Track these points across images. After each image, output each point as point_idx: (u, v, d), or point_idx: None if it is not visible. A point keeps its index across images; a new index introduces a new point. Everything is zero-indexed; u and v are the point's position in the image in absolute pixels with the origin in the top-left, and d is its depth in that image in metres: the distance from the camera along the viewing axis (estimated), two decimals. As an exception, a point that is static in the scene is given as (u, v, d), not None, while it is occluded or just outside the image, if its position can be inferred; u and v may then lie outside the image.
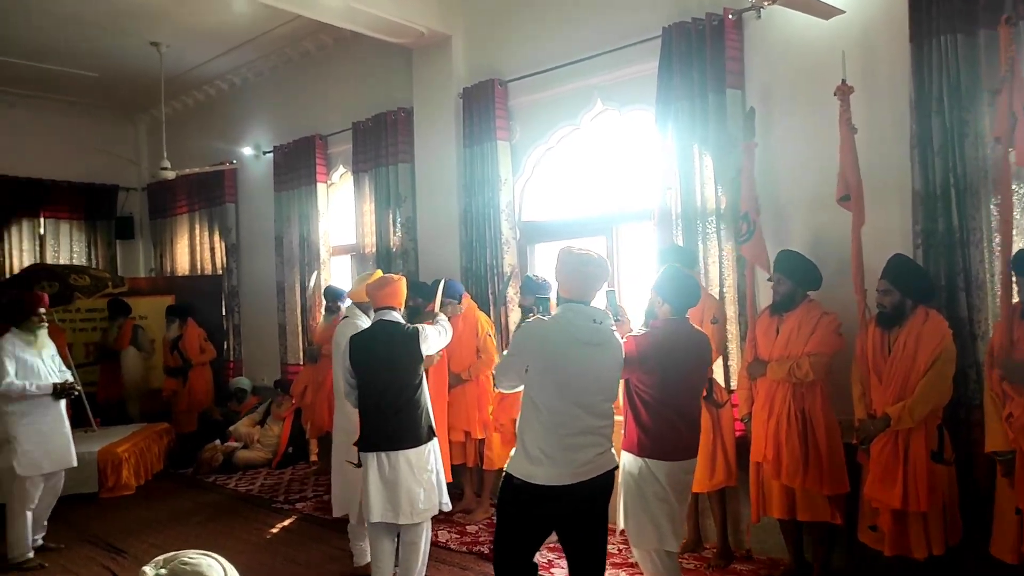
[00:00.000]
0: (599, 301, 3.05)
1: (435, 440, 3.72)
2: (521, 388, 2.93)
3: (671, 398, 3.11)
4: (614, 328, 3.00)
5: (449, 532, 4.85)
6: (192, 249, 8.83)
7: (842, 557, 3.90)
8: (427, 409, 3.69)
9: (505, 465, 2.93)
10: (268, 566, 4.46)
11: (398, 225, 6.25)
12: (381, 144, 6.36)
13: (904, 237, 3.74)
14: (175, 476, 6.77)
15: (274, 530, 5.21)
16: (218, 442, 7.02)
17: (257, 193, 8.01)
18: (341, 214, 7.23)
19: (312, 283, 7.04)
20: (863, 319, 3.59)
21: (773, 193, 4.20)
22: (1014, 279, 3.13)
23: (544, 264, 5.77)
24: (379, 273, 4.34)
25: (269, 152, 7.70)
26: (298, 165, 7.22)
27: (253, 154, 7.96)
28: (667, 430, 3.10)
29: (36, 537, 4.77)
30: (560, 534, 2.95)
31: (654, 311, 3.29)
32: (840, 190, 3.66)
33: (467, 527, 4.95)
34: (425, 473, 3.61)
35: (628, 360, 3.03)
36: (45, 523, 4.87)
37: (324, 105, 7.15)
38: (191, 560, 1.87)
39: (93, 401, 6.70)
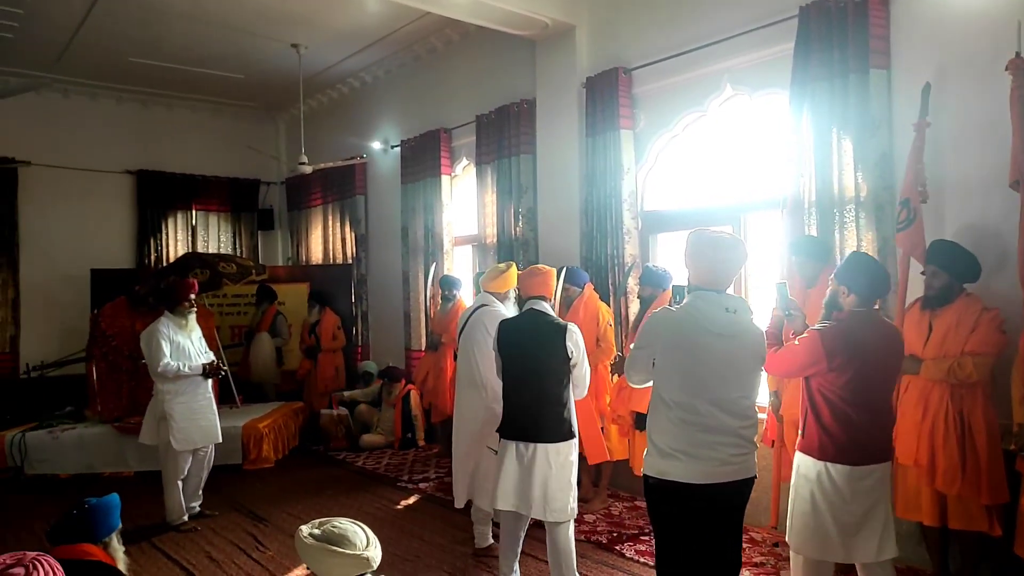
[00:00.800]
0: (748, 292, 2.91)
1: (575, 440, 3.57)
2: (651, 383, 2.79)
3: (860, 397, 2.85)
4: (752, 317, 2.79)
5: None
6: (325, 239, 9.33)
7: (992, 570, 3.60)
8: (571, 406, 3.56)
9: (642, 468, 2.82)
10: (394, 540, 4.66)
11: (519, 216, 6.33)
12: (503, 136, 6.46)
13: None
14: (309, 451, 7.19)
15: (398, 507, 5.44)
16: (332, 410, 7.41)
17: (385, 186, 8.34)
18: (464, 205, 7.41)
19: (432, 272, 7.26)
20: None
21: (928, 178, 3.91)
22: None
23: (667, 254, 5.67)
24: (514, 266, 4.37)
25: (396, 146, 8.00)
26: (423, 158, 7.45)
27: (382, 148, 8.29)
28: (855, 433, 2.85)
29: (194, 504, 5.20)
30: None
31: (837, 302, 3.01)
32: (1012, 174, 3.36)
33: (584, 516, 4.96)
34: (563, 470, 3.48)
35: (812, 356, 2.84)
36: (200, 492, 5.29)
37: (449, 99, 7.34)
38: (340, 525, 2.18)
39: (237, 380, 7.22)
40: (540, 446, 3.46)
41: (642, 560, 4.25)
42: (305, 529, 2.27)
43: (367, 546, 2.24)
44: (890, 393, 2.99)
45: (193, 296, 5.17)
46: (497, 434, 3.72)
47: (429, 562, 4.35)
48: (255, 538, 4.84)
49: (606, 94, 5.55)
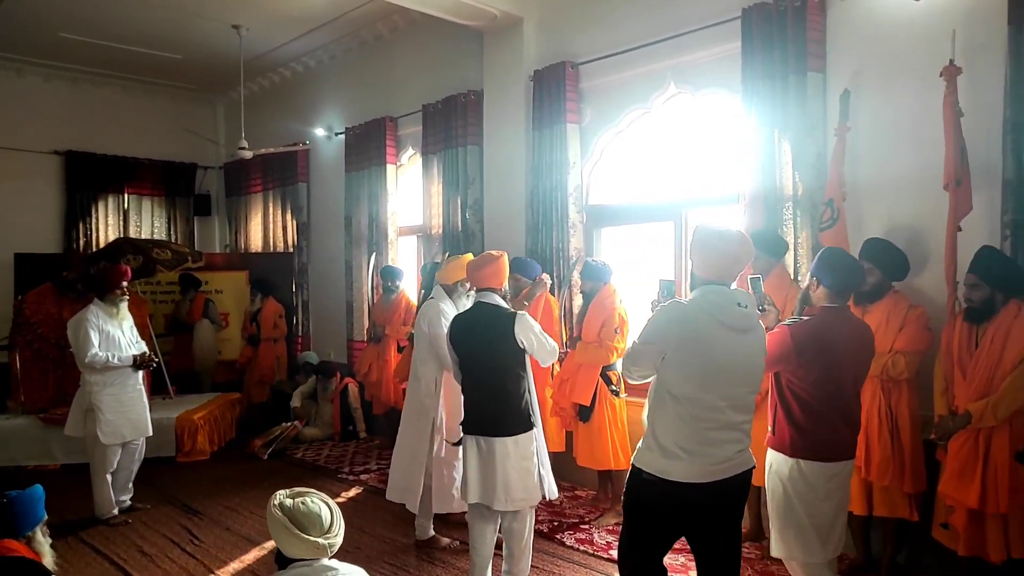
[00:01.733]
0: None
1: (536, 430, 3.54)
2: (652, 379, 2.70)
3: (830, 394, 2.84)
4: (758, 314, 2.75)
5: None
6: (265, 227, 9.12)
7: (911, 554, 3.80)
8: (528, 398, 3.52)
9: (632, 458, 2.73)
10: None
11: (466, 207, 6.31)
12: (450, 126, 6.43)
13: (992, 227, 3.59)
14: (247, 443, 7.05)
15: (339, 499, 5.38)
16: (289, 424, 7.14)
17: (328, 173, 8.20)
18: (409, 195, 7.35)
19: (373, 262, 7.18)
20: (951, 312, 3.47)
21: (854, 179, 4.08)
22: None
23: (611, 248, 5.75)
24: (469, 257, 4.18)
25: (341, 133, 7.87)
26: (369, 146, 7.36)
27: (325, 135, 8.14)
28: (824, 429, 2.84)
29: (124, 498, 5.05)
30: (691, 536, 2.74)
31: (809, 297, 2.99)
32: (946, 177, 3.53)
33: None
34: (523, 461, 3.44)
35: (781, 352, 2.81)
36: (131, 486, 5.13)
37: (395, 87, 7.26)
38: (311, 504, 2.29)
39: (170, 370, 7.01)
40: (499, 440, 3.41)
41: (582, 548, 4.32)
42: (279, 496, 2.29)
43: (329, 531, 2.25)
44: (859, 389, 2.99)
45: (125, 283, 4.99)
46: (430, 426, 3.77)
47: (370, 553, 4.33)
48: (189, 531, 4.73)
49: (553, 88, 5.58)
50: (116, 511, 4.91)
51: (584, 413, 4.71)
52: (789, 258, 4.24)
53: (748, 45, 4.39)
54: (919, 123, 3.80)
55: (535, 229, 5.75)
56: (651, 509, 2.67)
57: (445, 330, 3.83)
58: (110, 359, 4.74)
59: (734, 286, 2.69)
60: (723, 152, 4.80)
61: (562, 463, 5.29)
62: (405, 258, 7.30)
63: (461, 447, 3.61)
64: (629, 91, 5.31)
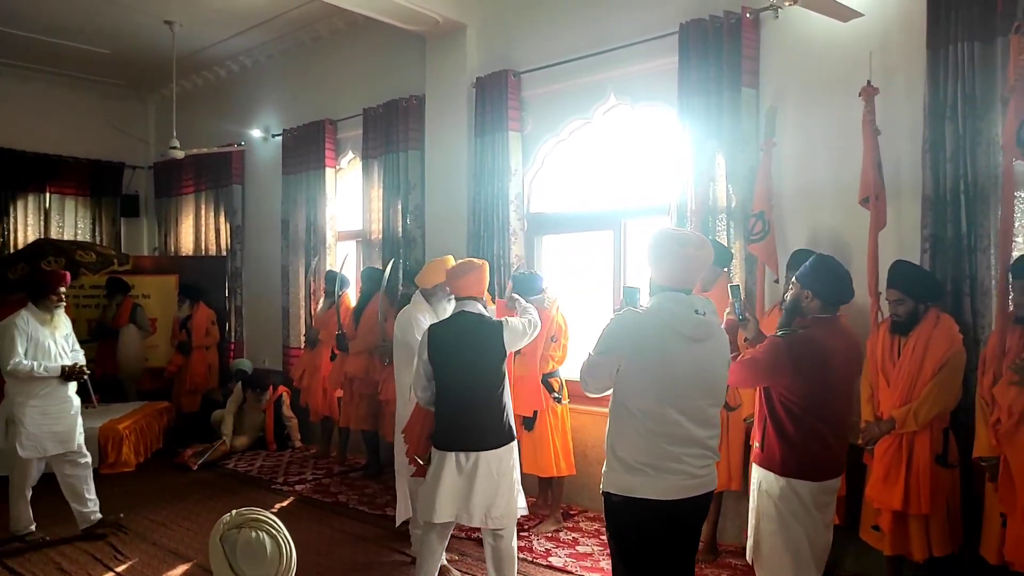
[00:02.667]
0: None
1: (515, 441, 3.43)
2: (610, 392, 2.57)
3: (824, 410, 2.73)
4: (720, 321, 2.63)
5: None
6: (197, 229, 8.83)
7: (838, 555, 3.93)
8: (509, 407, 3.41)
9: (600, 486, 2.58)
10: (268, 545, 4.48)
11: (407, 212, 6.26)
12: (392, 131, 6.37)
13: (912, 240, 3.77)
14: (175, 454, 6.80)
15: (272, 510, 5.21)
16: (219, 441, 6.79)
17: (265, 176, 8.01)
18: (349, 199, 7.24)
19: (314, 267, 7.04)
20: (875, 321, 3.62)
21: (781, 193, 4.22)
22: (1011, 284, 3.12)
23: (551, 256, 5.79)
24: (449, 259, 4.02)
25: (278, 135, 7.70)
26: (307, 149, 7.22)
27: (262, 136, 7.95)
28: (817, 446, 2.73)
29: (88, 510, 4.68)
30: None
31: (800, 307, 2.87)
32: (862, 192, 3.68)
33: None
34: (506, 476, 3.33)
35: (776, 364, 2.69)
36: (93, 497, 4.74)
37: (335, 90, 7.15)
38: (258, 540, 1.84)
39: (92, 378, 6.69)
40: (482, 454, 3.27)
41: (521, 556, 4.31)
42: (224, 522, 1.88)
43: (281, 566, 1.87)
44: (850, 403, 2.92)
45: (63, 289, 4.64)
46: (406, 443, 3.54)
47: (304, 565, 4.22)
48: (113, 547, 4.53)
49: (495, 95, 5.60)
50: (33, 527, 4.63)
51: (527, 422, 4.71)
52: (725, 268, 4.37)
53: (685, 60, 4.50)
54: (843, 140, 3.97)
55: (476, 236, 5.75)
56: (628, 534, 2.51)
57: (416, 336, 3.71)
58: (35, 368, 4.43)
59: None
60: (661, 163, 4.89)
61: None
62: (344, 263, 7.17)
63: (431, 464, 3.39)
64: (570, 101, 5.37)
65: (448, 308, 3.92)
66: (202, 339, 7.50)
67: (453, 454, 3.29)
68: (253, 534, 1.86)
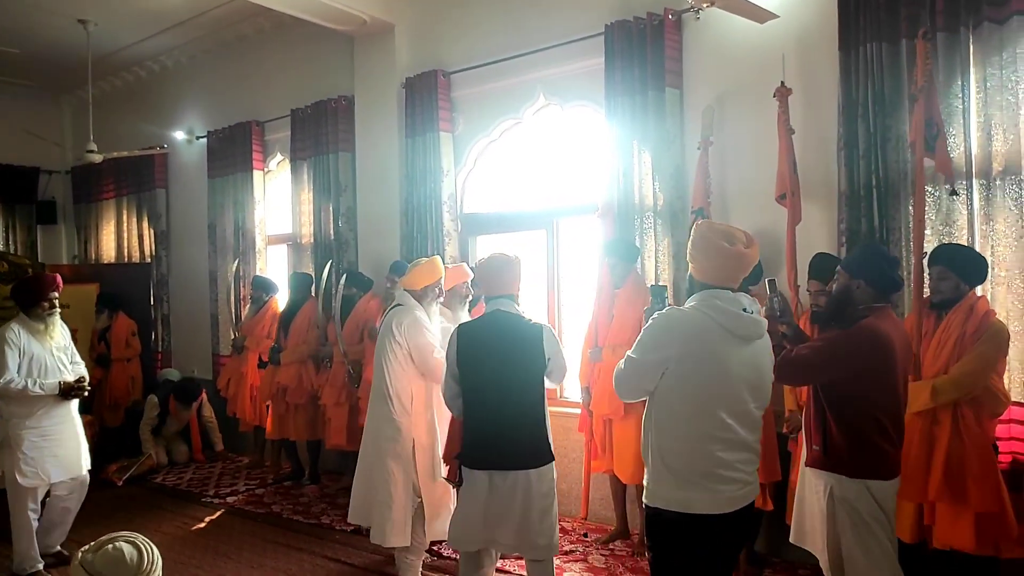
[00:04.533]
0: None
1: (553, 461, 3.12)
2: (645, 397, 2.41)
3: (889, 403, 2.62)
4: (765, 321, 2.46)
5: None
6: (119, 236, 8.49)
7: (769, 541, 4.04)
8: (548, 422, 3.11)
9: (644, 498, 2.41)
10: (196, 560, 4.34)
11: (338, 215, 6.16)
12: (321, 132, 6.25)
13: (830, 235, 3.91)
14: (99, 470, 6.50)
15: (202, 524, 5.07)
16: (145, 455, 6.56)
17: (189, 179, 7.75)
18: (278, 203, 7.08)
19: (233, 271, 6.86)
20: (795, 314, 3.72)
21: (707, 190, 4.31)
22: (927, 272, 3.23)
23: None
24: (436, 259, 3.80)
25: (203, 137, 7.47)
26: (233, 151, 7.02)
27: (186, 139, 7.70)
28: (886, 444, 2.61)
29: (51, 543, 4.36)
30: None
31: (851, 298, 2.71)
32: (779, 189, 3.80)
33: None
34: (545, 499, 3.01)
35: (845, 357, 2.57)
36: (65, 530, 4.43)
37: (261, 91, 6.98)
38: (115, 549, 1.94)
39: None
40: (521, 473, 2.95)
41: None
42: (79, 556, 2.00)
43: (140, 572, 1.99)
44: (905, 397, 2.75)
45: (55, 294, 4.19)
46: (410, 445, 3.46)
47: (235, 580, 4.11)
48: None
49: (425, 96, 5.56)
50: (40, 566, 4.18)
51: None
52: (650, 265, 4.44)
53: (611, 61, 4.56)
54: (762, 138, 4.07)
55: (410, 238, 5.69)
56: (684, 550, 2.31)
57: (428, 339, 3.53)
58: (30, 386, 3.99)
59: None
60: (592, 163, 4.94)
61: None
62: (275, 268, 7.01)
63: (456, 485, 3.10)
64: (501, 102, 5.37)
65: (435, 311, 3.74)
66: (122, 351, 7.19)
67: (486, 473, 2.98)
68: (110, 547, 1.98)
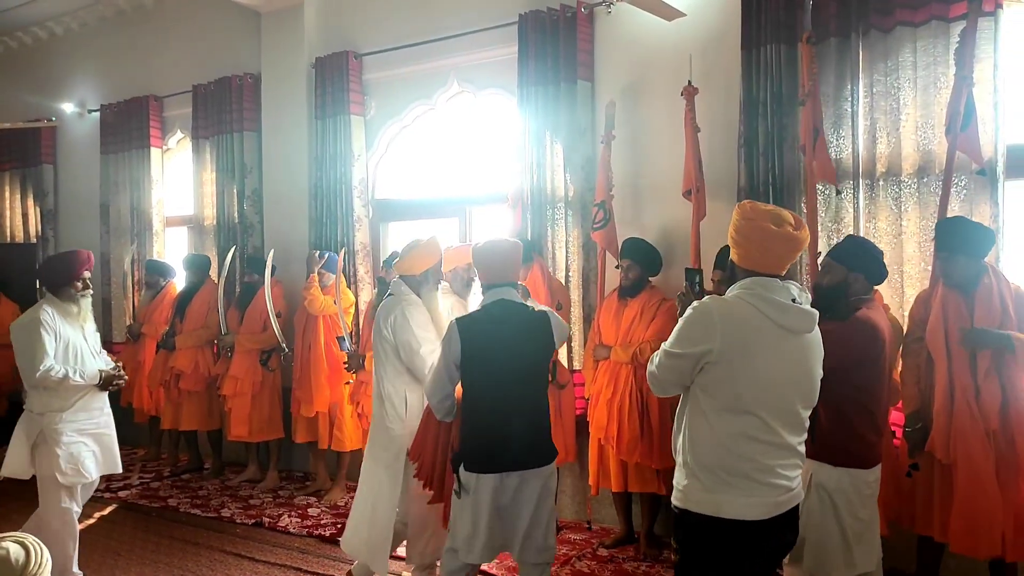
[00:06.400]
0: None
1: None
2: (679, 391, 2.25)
3: (879, 392, 2.62)
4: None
5: (290, 517, 4.71)
6: (1, 214, 7.90)
7: (665, 523, 4.19)
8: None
9: (673, 499, 2.24)
10: (83, 559, 4.10)
11: (243, 197, 5.93)
12: (225, 110, 5.99)
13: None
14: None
15: (91, 520, 4.81)
16: None
17: (80, 155, 7.28)
18: (179, 183, 6.75)
19: (132, 253, 6.56)
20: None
21: (614, 183, 4.39)
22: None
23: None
24: (434, 242, 3.44)
25: (95, 111, 7.03)
26: (129, 127, 6.64)
27: (76, 112, 7.22)
28: (872, 433, 2.61)
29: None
30: None
31: (847, 290, 2.69)
32: (685, 185, 3.91)
33: (308, 510, 4.83)
34: (550, 498, 2.86)
35: (845, 351, 2.49)
36: None
37: (160, 64, 6.62)
38: (3, 545, 1.85)
39: None
40: (530, 473, 2.77)
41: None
42: None
43: (28, 570, 1.86)
44: (889, 386, 2.75)
45: (88, 273, 3.71)
46: (402, 457, 3.21)
47: (127, 578, 3.93)
48: None
49: (335, 77, 5.42)
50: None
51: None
52: (560, 256, 4.50)
53: (524, 50, 4.57)
54: (670, 134, 4.18)
55: (319, 222, 5.55)
56: (715, 556, 2.15)
57: (415, 334, 3.22)
58: (71, 375, 3.54)
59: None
60: (504, 152, 4.95)
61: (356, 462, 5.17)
62: (174, 251, 6.69)
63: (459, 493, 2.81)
64: (414, 86, 5.30)
65: (437, 297, 3.43)
66: (4, 336, 6.70)
67: (493, 476, 2.74)
68: None
